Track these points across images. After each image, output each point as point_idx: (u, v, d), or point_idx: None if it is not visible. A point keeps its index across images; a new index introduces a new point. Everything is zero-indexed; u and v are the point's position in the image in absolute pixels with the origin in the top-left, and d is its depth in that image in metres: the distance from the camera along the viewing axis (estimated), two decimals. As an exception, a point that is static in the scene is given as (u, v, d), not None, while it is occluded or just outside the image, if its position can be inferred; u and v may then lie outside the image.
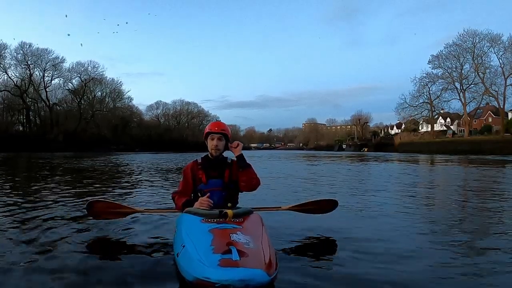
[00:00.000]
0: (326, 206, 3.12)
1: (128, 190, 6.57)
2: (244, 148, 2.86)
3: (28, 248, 2.59)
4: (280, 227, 3.12)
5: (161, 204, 4.74)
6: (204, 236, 1.91)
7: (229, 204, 2.53)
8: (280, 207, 3.10)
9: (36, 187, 6.86)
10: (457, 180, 9.02)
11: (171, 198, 2.90)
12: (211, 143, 2.71)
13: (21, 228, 3.24)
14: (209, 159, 2.77)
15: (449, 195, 6.06)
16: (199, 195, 2.67)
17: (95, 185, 7.40)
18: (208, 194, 2.56)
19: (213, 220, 2.14)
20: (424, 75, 51.84)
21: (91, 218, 3.04)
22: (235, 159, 2.72)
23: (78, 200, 4.90)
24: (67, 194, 5.61)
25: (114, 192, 6.27)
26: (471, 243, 2.88)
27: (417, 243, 2.84)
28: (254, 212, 2.44)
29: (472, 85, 48.39)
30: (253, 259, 1.67)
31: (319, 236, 2.99)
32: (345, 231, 3.12)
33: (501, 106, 46.83)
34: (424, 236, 3.12)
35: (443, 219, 3.88)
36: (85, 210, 2.90)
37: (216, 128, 2.72)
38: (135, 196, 5.77)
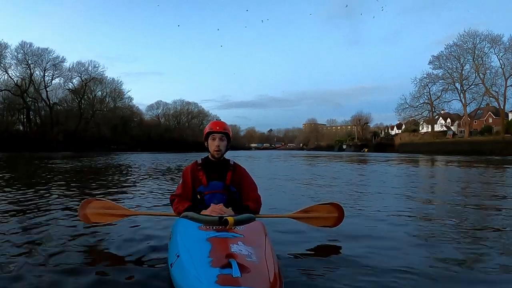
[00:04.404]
0: (331, 212, 2.88)
1: (126, 192, 6.44)
2: (244, 148, 2.75)
3: (17, 255, 2.46)
4: (283, 235, 2.96)
5: (159, 207, 4.61)
6: (201, 245, 1.72)
7: (230, 208, 2.39)
8: (282, 215, 2.91)
9: (31, 188, 6.74)
10: (458, 181, 8.93)
11: (169, 201, 2.76)
12: (212, 144, 2.56)
13: (11, 233, 3.09)
14: (210, 161, 2.64)
15: (450, 196, 5.98)
16: (199, 197, 2.55)
17: (92, 186, 7.29)
18: (221, 204, 2.37)
19: (212, 228, 1.95)
20: (425, 75, 51.94)
21: (82, 222, 2.82)
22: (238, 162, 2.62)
23: (71, 203, 4.77)
24: (62, 196, 5.49)
25: (111, 193, 6.16)
26: (475, 246, 2.80)
27: (421, 247, 2.76)
28: (256, 219, 2.22)
29: (473, 86, 48.49)
30: (255, 276, 1.46)
31: (323, 245, 2.82)
32: (350, 238, 2.95)
33: (502, 107, 46.79)
34: (428, 238, 3.04)
35: (445, 220, 3.80)
36: (77, 212, 2.73)
37: (218, 128, 2.56)
38: (132, 198, 5.63)
